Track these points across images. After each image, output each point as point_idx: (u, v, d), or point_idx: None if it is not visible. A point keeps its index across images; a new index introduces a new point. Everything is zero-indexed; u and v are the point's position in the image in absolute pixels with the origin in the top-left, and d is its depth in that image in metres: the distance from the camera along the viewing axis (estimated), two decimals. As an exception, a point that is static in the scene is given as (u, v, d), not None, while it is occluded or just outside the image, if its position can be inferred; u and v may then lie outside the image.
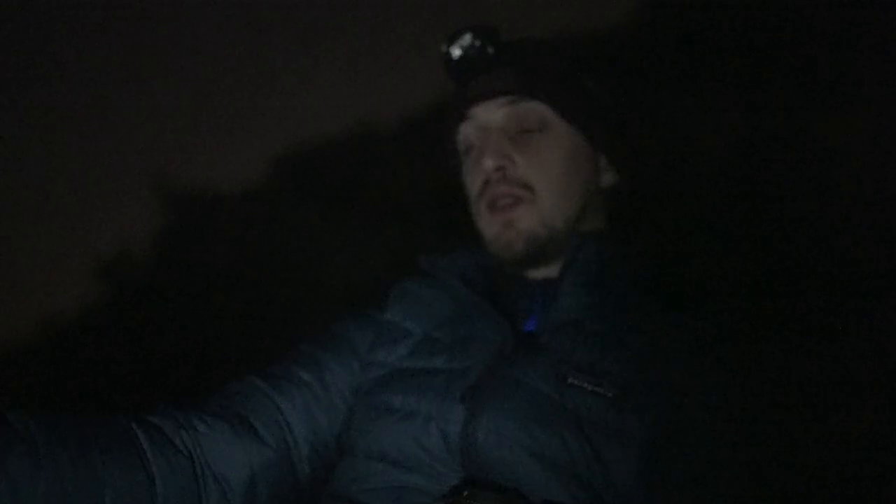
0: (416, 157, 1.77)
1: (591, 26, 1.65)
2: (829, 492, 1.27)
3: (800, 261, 1.46)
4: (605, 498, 1.06)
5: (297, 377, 1.28)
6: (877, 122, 1.44)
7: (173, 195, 1.89)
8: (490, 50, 1.30)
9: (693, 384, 1.12)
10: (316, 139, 1.87)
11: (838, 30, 1.50)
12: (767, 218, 1.52)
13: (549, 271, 1.30)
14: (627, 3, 1.66)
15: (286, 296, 1.81)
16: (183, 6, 1.92)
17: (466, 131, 1.33)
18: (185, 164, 1.88)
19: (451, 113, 1.36)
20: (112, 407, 1.18)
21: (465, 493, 1.02)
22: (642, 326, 1.19)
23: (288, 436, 1.24)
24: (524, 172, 1.27)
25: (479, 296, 1.27)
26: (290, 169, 1.87)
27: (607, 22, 1.66)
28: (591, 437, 1.07)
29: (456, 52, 1.31)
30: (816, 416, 1.33)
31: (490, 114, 1.30)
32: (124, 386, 1.74)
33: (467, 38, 1.31)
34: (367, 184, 1.85)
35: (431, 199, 1.72)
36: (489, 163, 1.27)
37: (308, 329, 1.44)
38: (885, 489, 1.27)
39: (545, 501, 1.04)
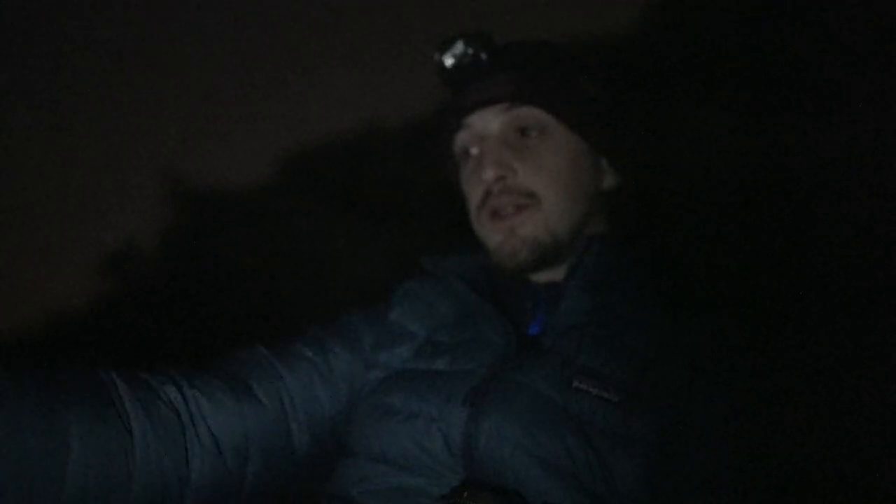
0: (422, 156, 1.78)
1: (589, 28, 1.65)
2: (834, 493, 1.28)
3: (802, 262, 1.46)
4: (608, 503, 1.06)
5: (301, 353, 1.28)
6: (876, 125, 1.43)
7: (179, 193, 1.90)
8: (483, 56, 1.28)
9: (698, 388, 1.12)
10: (321, 138, 1.88)
11: (839, 35, 1.50)
12: (770, 219, 1.51)
13: (554, 275, 1.29)
14: (625, 5, 1.66)
15: (291, 294, 1.82)
16: (190, 4, 1.94)
17: (463, 140, 1.31)
18: (190, 162, 1.90)
19: (446, 121, 1.34)
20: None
21: (465, 494, 1.03)
22: (647, 330, 1.18)
23: (287, 401, 1.24)
24: (525, 180, 1.25)
25: (483, 298, 1.26)
26: (296, 167, 1.88)
27: (604, 23, 1.66)
28: (594, 441, 1.07)
29: (448, 60, 1.29)
30: (821, 418, 1.33)
31: (486, 122, 1.28)
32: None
33: (459, 46, 1.29)
34: (373, 183, 1.86)
35: (436, 199, 1.73)
36: (489, 174, 1.25)
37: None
38: (887, 489, 1.27)
39: None
